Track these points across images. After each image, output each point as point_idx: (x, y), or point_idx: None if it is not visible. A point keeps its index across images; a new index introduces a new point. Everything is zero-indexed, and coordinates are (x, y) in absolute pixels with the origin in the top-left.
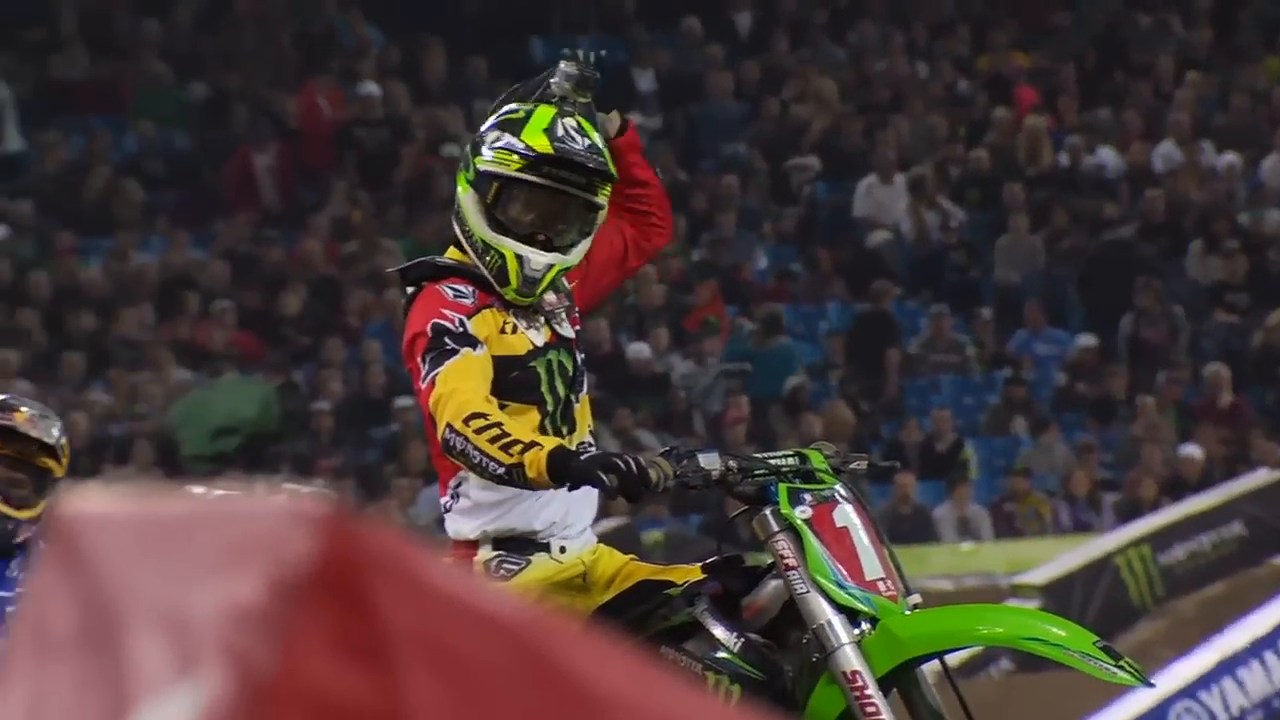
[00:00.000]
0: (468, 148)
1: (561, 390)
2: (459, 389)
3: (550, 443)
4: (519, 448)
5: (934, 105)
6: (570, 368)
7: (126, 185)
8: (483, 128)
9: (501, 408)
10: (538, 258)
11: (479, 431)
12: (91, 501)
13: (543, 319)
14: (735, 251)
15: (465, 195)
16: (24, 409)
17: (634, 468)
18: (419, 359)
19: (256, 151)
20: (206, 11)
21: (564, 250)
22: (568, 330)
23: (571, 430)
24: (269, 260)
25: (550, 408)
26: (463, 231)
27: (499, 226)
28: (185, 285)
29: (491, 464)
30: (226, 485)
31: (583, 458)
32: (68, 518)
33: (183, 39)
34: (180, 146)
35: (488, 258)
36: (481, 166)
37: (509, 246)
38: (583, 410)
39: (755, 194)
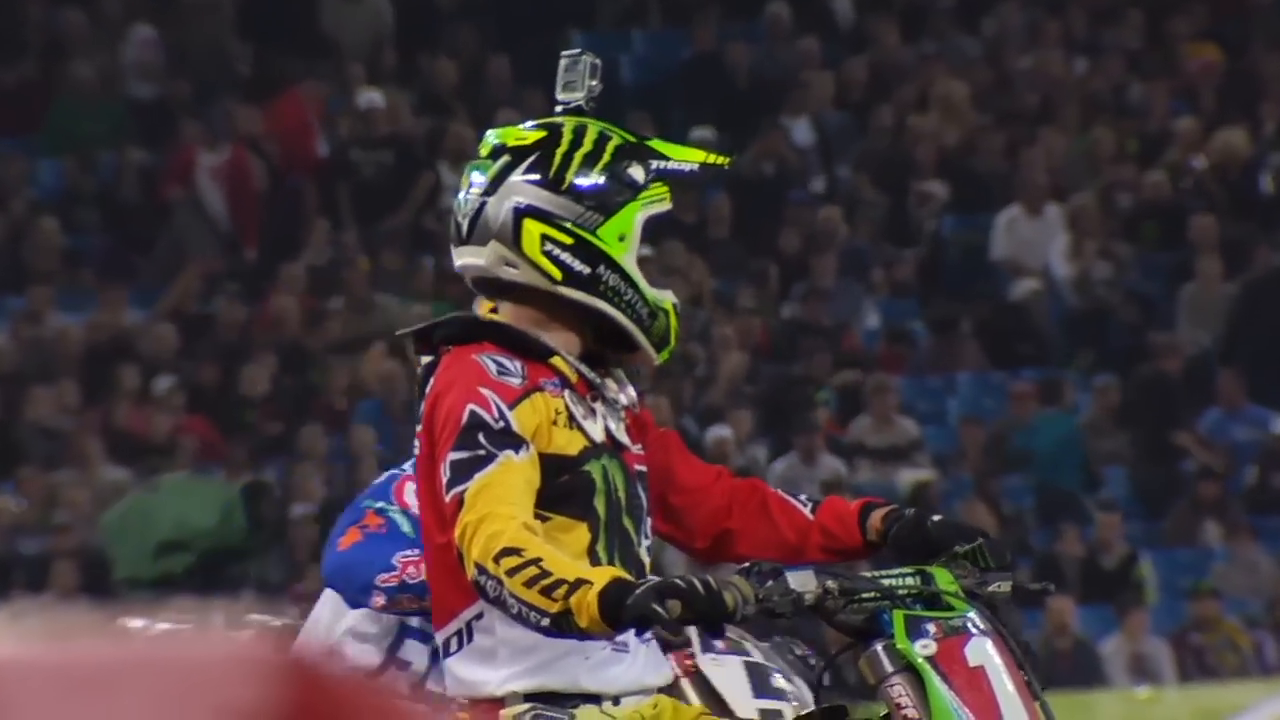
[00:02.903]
0: (581, 202)
1: (616, 513)
2: (492, 515)
3: (602, 577)
4: (563, 589)
5: (1096, 114)
6: (621, 487)
7: (42, 226)
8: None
9: (543, 520)
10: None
11: (512, 573)
12: None
13: (600, 410)
14: (837, 306)
15: (625, 255)
16: None
17: (702, 591)
18: (443, 463)
19: (210, 179)
20: None
21: None
22: (623, 436)
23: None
24: (227, 322)
25: (602, 527)
26: (619, 303)
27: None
28: (119, 356)
29: (533, 613)
30: (173, 617)
31: (639, 589)
32: None
33: (115, 33)
34: (112, 176)
35: (655, 322)
36: (647, 211)
37: (669, 299)
38: (646, 556)
39: (863, 231)
